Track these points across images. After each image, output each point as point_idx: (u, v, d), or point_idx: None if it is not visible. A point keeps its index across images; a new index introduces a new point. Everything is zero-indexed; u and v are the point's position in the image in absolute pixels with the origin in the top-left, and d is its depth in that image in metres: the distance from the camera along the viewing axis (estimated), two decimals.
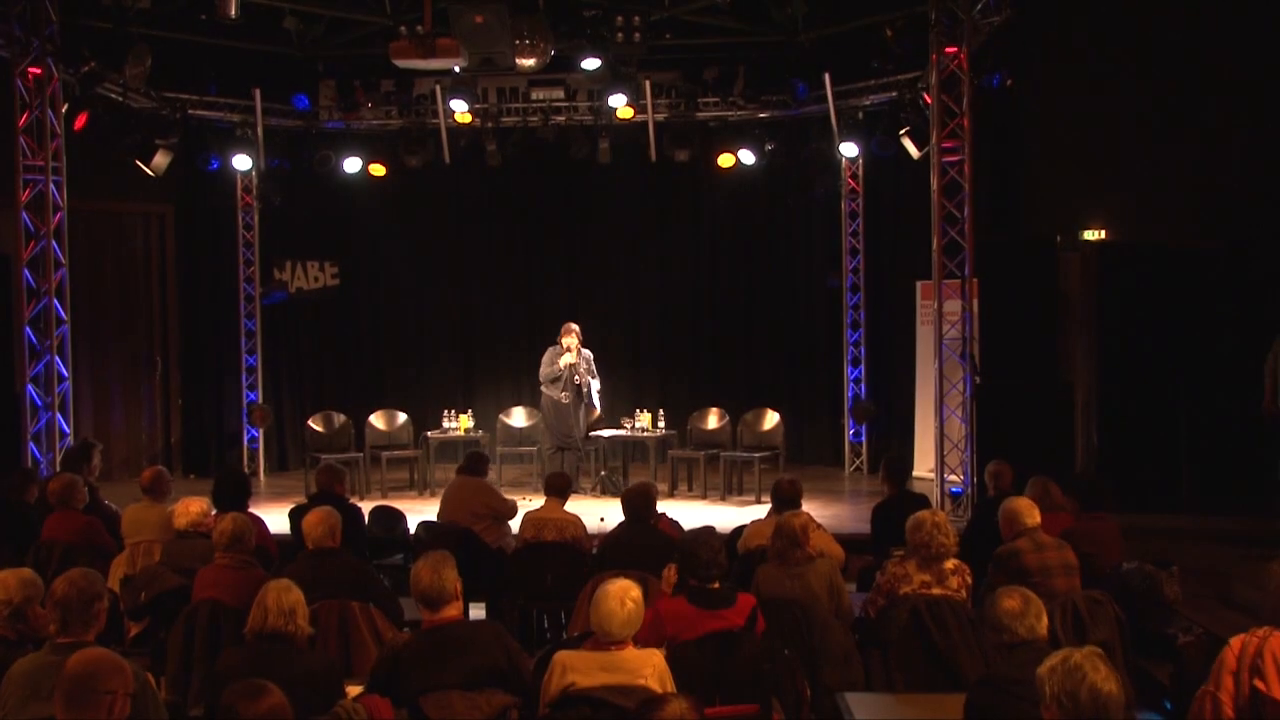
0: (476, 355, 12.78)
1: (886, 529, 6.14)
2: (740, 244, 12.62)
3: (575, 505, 8.97)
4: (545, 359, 10.24)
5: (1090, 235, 10.38)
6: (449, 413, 10.71)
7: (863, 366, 11.71)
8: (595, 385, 10.18)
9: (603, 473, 10.50)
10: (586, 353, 10.24)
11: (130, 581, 5.30)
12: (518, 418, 11.42)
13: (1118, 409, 9.49)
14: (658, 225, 12.70)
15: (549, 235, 12.78)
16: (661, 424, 10.45)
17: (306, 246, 12.41)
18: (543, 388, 10.30)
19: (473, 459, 7.37)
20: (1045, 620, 3.55)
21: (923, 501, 6.36)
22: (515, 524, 6.91)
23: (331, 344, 12.71)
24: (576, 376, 10.07)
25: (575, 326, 10.20)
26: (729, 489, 10.20)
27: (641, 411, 10.51)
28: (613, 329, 12.47)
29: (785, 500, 5.88)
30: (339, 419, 11.03)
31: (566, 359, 10.04)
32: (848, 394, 11.74)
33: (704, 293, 12.70)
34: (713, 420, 10.80)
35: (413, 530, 7.11)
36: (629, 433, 10.44)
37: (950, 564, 4.72)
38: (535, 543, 6.28)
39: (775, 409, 10.66)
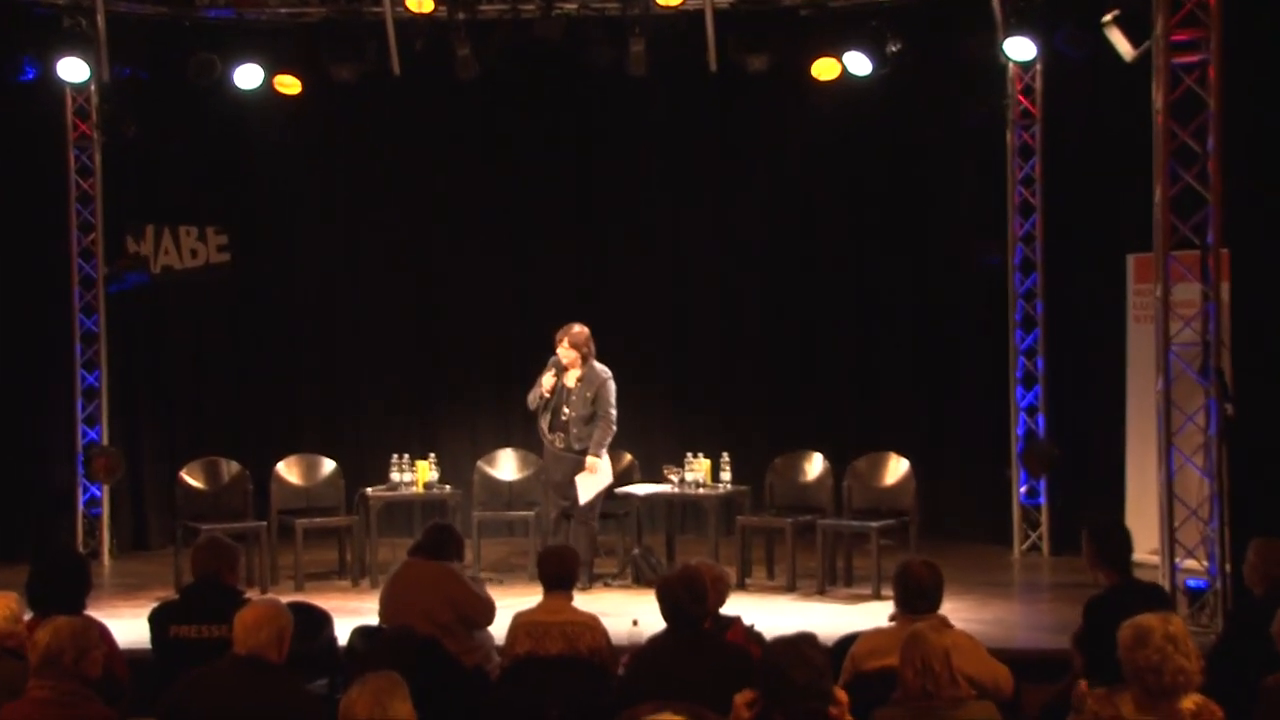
0: (443, 372, 12.94)
1: (1107, 641, 5.93)
2: (846, 200, 12.75)
3: (592, 601, 8.87)
4: (539, 380, 10.44)
5: None
6: (400, 459, 10.75)
7: (1040, 388, 11.70)
8: (609, 430, 10.22)
9: (635, 550, 10.56)
10: (601, 370, 10.31)
11: None
12: (505, 466, 11.46)
13: None
14: (719, 172, 12.83)
15: (551, 189, 12.95)
16: (726, 476, 10.52)
17: (178, 204, 12.54)
18: (539, 423, 10.53)
19: (436, 532, 7.38)
20: None
21: (1157, 598, 6.28)
22: (499, 630, 6.92)
23: (219, 354, 12.87)
24: (566, 411, 10.20)
25: (580, 329, 10.31)
26: (831, 577, 10.23)
27: (695, 457, 10.52)
28: (648, 332, 12.68)
29: (918, 596, 5.79)
30: (229, 470, 11.07)
31: (547, 381, 10.24)
32: (1016, 430, 11.72)
33: (789, 276, 12.81)
34: (807, 471, 10.83)
35: (344, 640, 7.07)
36: (675, 489, 10.48)
37: (1190, 702, 4.68)
38: (532, 659, 6.32)
39: (903, 453, 10.68)
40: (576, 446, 10.21)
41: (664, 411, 12.52)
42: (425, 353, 12.97)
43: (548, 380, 10.21)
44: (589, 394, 10.20)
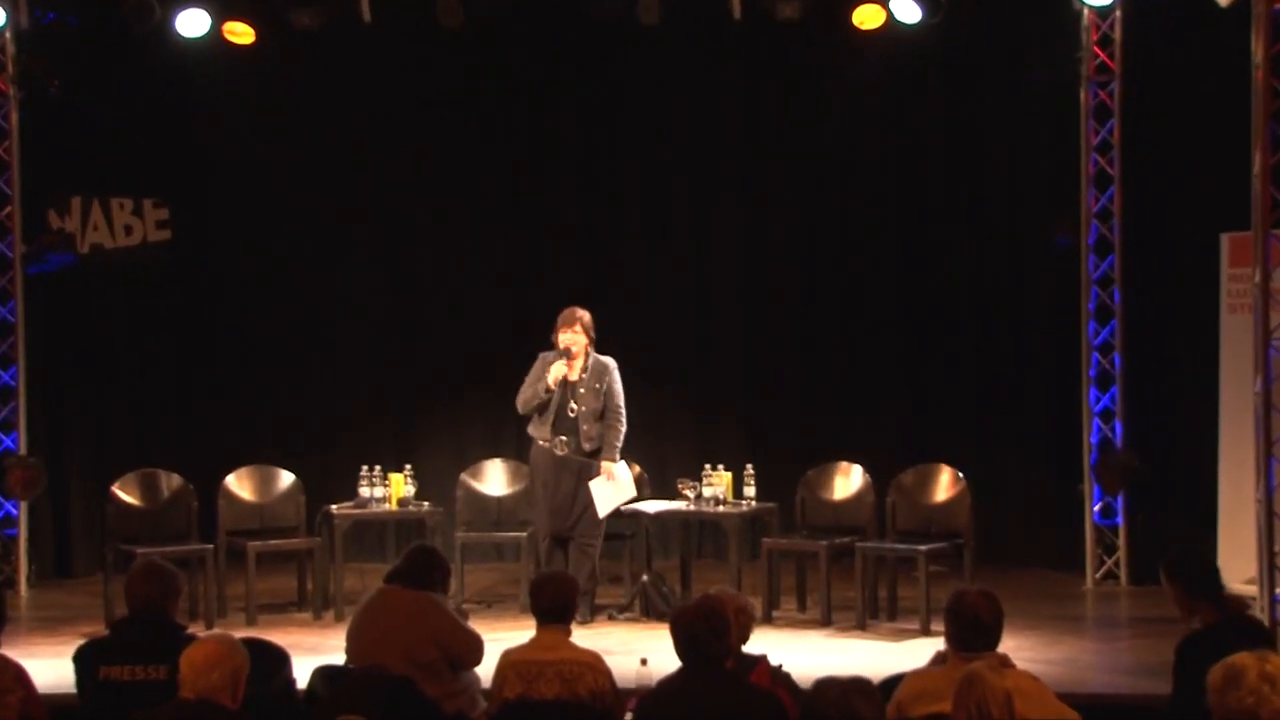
0: (423, 371, 13.00)
1: (1202, 681, 5.93)
2: (891, 173, 12.77)
3: (594, 637, 8.95)
4: (531, 372, 10.41)
5: None
6: (370, 471, 10.78)
7: (1117, 388, 11.71)
8: (621, 430, 10.29)
9: (644, 578, 10.55)
10: (606, 362, 10.35)
11: None
12: (493, 480, 11.47)
13: None
14: (743, 141, 12.85)
15: (550, 156, 12.98)
16: (750, 491, 10.54)
17: (110, 173, 12.53)
18: (529, 427, 10.48)
19: (418, 556, 7.34)
20: None
21: (1259, 636, 6.23)
22: (486, 672, 6.92)
23: (157, 348, 12.87)
24: (574, 407, 10.17)
25: (584, 315, 10.38)
26: (872, 608, 10.23)
27: (714, 469, 10.55)
28: (661, 324, 12.72)
29: (975, 631, 5.75)
30: (170, 484, 11.04)
31: (557, 371, 10.19)
32: (1090, 438, 11.70)
33: (824, 261, 12.87)
34: (844, 486, 10.85)
35: (303, 682, 7.07)
36: (691, 506, 10.51)
37: None
38: (524, 705, 6.31)
39: (956, 466, 10.67)
40: (587, 448, 10.22)
41: (678, 416, 12.58)
42: (401, 348, 13.00)
43: (558, 370, 10.17)
44: (597, 385, 10.25)
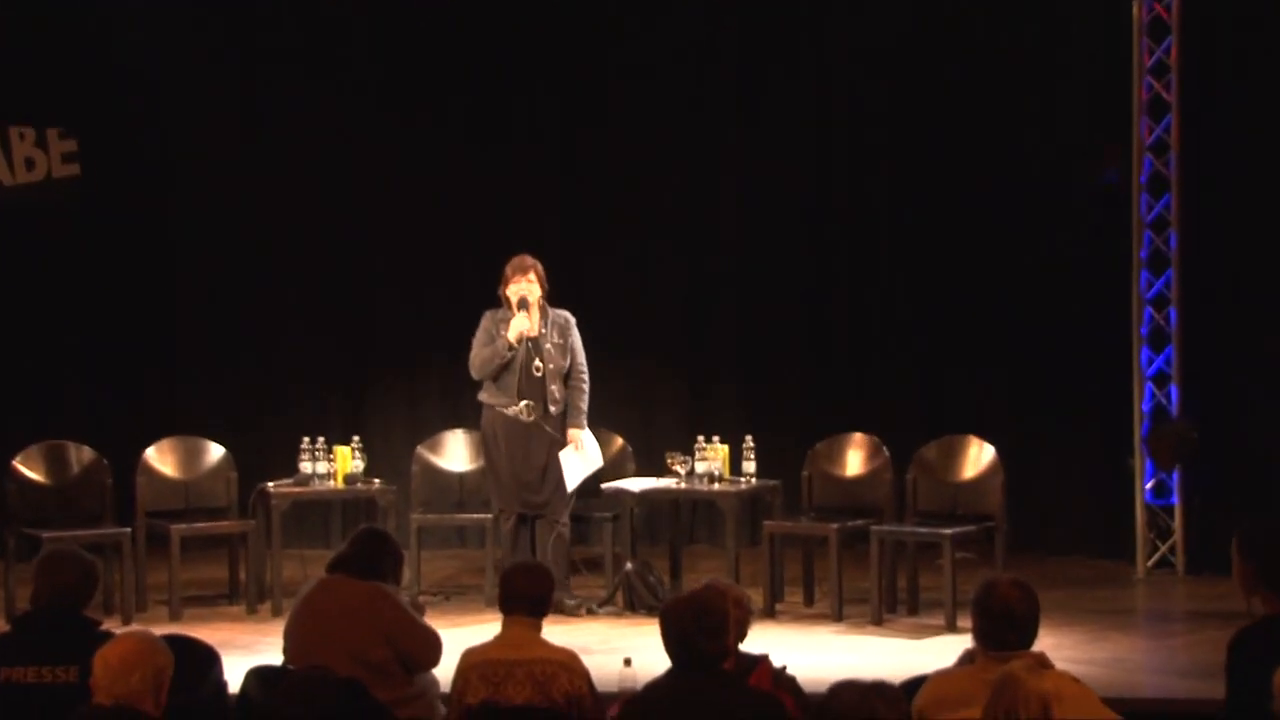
0: (372, 329, 13.10)
1: (1259, 681, 5.93)
2: (909, 101, 12.80)
3: (570, 633, 9.02)
4: (477, 332, 10.58)
5: None
6: (312, 444, 10.81)
7: (1172, 349, 11.78)
8: (587, 391, 10.49)
9: (627, 566, 10.61)
10: (566, 315, 10.58)
11: None
12: (454, 454, 11.54)
13: None
14: (742, 74, 12.99)
15: (523, 89, 13.07)
16: (749, 467, 10.62)
17: (8, 98, 12.54)
18: (481, 393, 10.62)
19: (367, 542, 7.34)
20: None
21: None
22: (445, 673, 6.96)
23: (64, 301, 12.83)
24: (539, 365, 10.35)
25: (536, 263, 10.52)
26: (890, 601, 10.35)
27: (709, 442, 10.65)
28: (643, 274, 12.90)
29: (1007, 627, 5.66)
30: (80, 458, 11.06)
31: (519, 325, 10.32)
32: (1141, 405, 11.78)
33: (833, 206, 12.97)
34: (856, 460, 10.92)
35: (236, 685, 7.03)
36: (682, 484, 10.61)
37: None
38: (489, 710, 6.33)
39: (986, 438, 10.72)
40: (554, 411, 10.37)
41: (667, 380, 12.73)
42: (348, 302, 13.07)
43: (520, 324, 10.26)
44: (561, 341, 10.41)
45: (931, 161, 12.68)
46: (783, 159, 12.93)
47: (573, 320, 10.51)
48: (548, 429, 10.34)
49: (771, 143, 12.94)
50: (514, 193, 12.96)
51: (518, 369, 10.32)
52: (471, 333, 10.59)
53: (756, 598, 9.59)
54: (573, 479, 10.34)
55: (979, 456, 10.55)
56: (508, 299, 10.36)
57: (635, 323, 11.98)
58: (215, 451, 11.12)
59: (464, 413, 11.82)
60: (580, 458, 10.37)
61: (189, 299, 12.99)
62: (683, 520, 11.27)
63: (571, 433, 10.34)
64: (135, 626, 6.24)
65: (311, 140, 12.93)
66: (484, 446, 10.68)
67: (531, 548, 10.32)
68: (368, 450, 10.93)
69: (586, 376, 10.46)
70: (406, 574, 9.36)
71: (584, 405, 10.42)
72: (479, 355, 10.43)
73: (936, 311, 12.70)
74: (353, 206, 12.99)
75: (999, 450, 10.51)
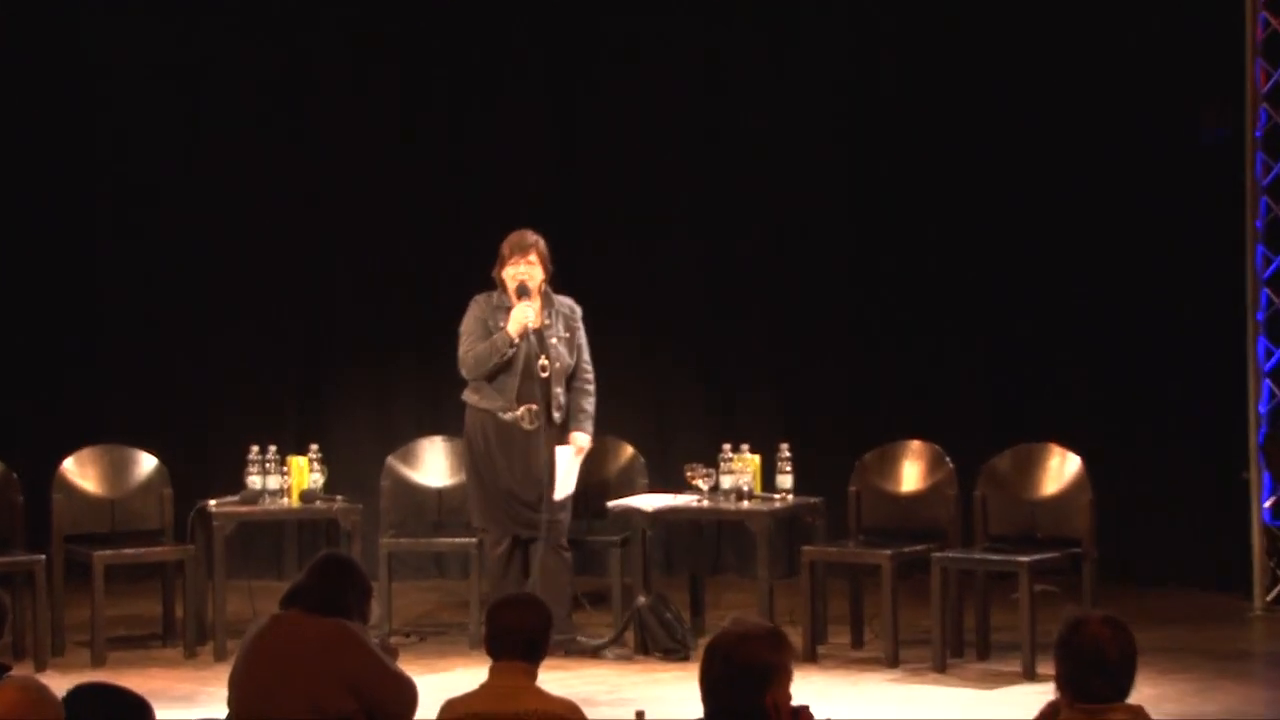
0: (334, 319, 13.24)
1: None
2: (973, 46, 12.77)
3: (570, 681, 9.05)
4: (466, 322, 10.61)
5: None
6: (261, 453, 10.85)
7: None
8: (591, 389, 10.57)
9: (639, 600, 10.61)
10: (572, 304, 10.68)
11: None
12: (432, 466, 11.60)
13: None
14: (771, 20, 13.01)
15: (515, 43, 13.14)
16: (786, 481, 10.65)
17: None
18: (467, 393, 10.64)
19: (327, 570, 7.14)
20: None
21: None
22: None
23: None
24: (544, 363, 10.40)
25: (538, 240, 10.54)
26: (955, 644, 10.36)
27: (736, 452, 10.69)
28: (660, 259, 12.93)
29: (1098, 674, 5.65)
30: None
31: (522, 317, 10.36)
32: (1256, 407, 11.75)
33: (882, 174, 12.98)
34: (913, 474, 10.92)
35: None
36: (704, 501, 10.66)
37: None
38: None
39: (1069, 446, 10.68)
40: (558, 418, 10.41)
41: (687, 380, 12.82)
42: (307, 285, 13.14)
43: (523, 315, 10.23)
44: (568, 335, 10.47)
45: (994, 119, 12.68)
46: (818, 118, 12.95)
47: (579, 310, 10.57)
48: (549, 439, 10.33)
49: (805, 108, 12.93)
50: (502, 164, 12.98)
51: (518, 368, 10.28)
52: (455, 321, 10.61)
53: (795, 638, 9.48)
54: (564, 487, 10.31)
55: (1061, 469, 10.48)
56: (504, 283, 10.34)
57: (650, 320, 12.02)
58: (146, 463, 11.07)
59: (443, 417, 11.91)
60: (575, 466, 10.36)
61: (114, 287, 13.03)
62: (705, 545, 11.39)
63: (575, 435, 10.33)
64: (24, 674, 6.19)
65: (269, 89, 13.02)
66: (469, 456, 10.63)
67: (524, 577, 10.32)
68: (328, 461, 10.92)
69: (592, 377, 10.50)
70: (375, 610, 9.23)
71: (591, 409, 10.43)
72: (473, 351, 10.39)
73: (1005, 296, 12.68)
74: (309, 188, 13.07)
75: (1086, 461, 10.44)
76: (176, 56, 12.93)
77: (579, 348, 10.48)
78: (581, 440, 10.35)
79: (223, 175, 12.93)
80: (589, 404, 10.42)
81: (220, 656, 10.06)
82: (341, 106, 13.01)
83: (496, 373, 10.35)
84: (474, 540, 10.84)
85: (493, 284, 10.40)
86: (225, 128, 12.98)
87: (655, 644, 10.26)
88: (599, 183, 12.92)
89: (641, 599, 10.49)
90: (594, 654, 10.34)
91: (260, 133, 12.97)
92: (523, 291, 10.27)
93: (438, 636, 10.92)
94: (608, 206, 12.82)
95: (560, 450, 10.30)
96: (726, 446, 10.59)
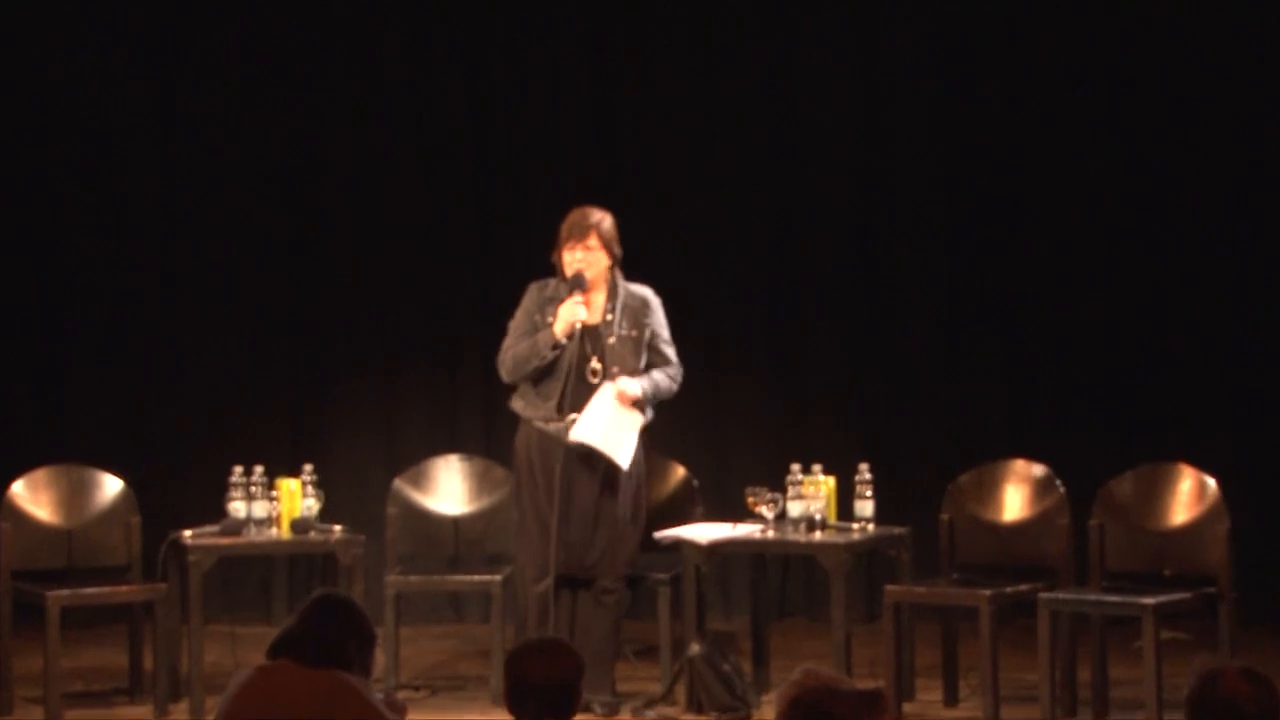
0: (330, 319, 13.53)
1: None
2: (1068, 31, 13.17)
3: None
4: (519, 314, 10.61)
5: None
6: (246, 475, 10.87)
7: None
8: (675, 376, 10.70)
9: (692, 649, 10.53)
10: (643, 295, 10.65)
11: None
12: (446, 490, 11.66)
13: None
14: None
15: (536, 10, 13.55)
16: (866, 509, 10.73)
17: None
18: (514, 399, 10.61)
19: (319, 617, 7.12)
20: None
21: None
22: None
23: None
24: (597, 369, 10.45)
25: (603, 219, 10.56)
26: (1067, 700, 10.44)
27: (807, 473, 10.70)
28: (718, 251, 13.32)
29: None
30: None
31: (569, 314, 10.33)
32: None
33: (971, 162, 13.32)
34: (1016, 500, 11.00)
35: None
36: (769, 532, 10.67)
37: None
38: None
39: (1203, 468, 10.69)
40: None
41: (750, 393, 13.02)
42: (299, 284, 13.40)
43: (571, 312, 10.19)
44: (634, 333, 10.37)
45: (1105, 124, 12.89)
46: (900, 112, 13.41)
47: (654, 301, 10.54)
48: (605, 459, 10.31)
49: (884, 87, 13.46)
50: (534, 146, 13.34)
51: (565, 371, 10.28)
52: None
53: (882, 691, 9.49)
54: (583, 428, 10.23)
55: (1194, 494, 10.53)
56: (561, 267, 10.32)
57: (701, 310, 12.35)
58: (110, 486, 11.17)
59: (460, 434, 12.40)
60: (615, 414, 10.30)
61: (83, 285, 13.32)
62: (771, 584, 11.58)
63: (623, 381, 10.25)
64: None
65: (256, 71, 13.47)
66: (517, 477, 10.62)
67: (571, 626, 10.26)
68: (324, 485, 11.00)
69: (677, 372, 10.60)
70: (380, 659, 9.18)
71: (662, 383, 10.49)
72: (513, 350, 10.45)
73: (1124, 293, 12.87)
74: (303, 174, 13.55)
75: (1222, 485, 10.45)
76: (153, 59, 13.42)
77: (655, 338, 10.54)
78: (629, 385, 10.15)
79: (204, 173, 13.41)
80: (662, 376, 10.39)
81: (197, 715, 10.17)
82: (342, 91, 13.45)
83: (541, 376, 10.38)
84: (496, 578, 10.86)
85: (553, 270, 10.42)
86: (203, 117, 13.39)
87: (711, 701, 10.24)
88: (644, 177, 13.30)
89: (695, 647, 10.43)
90: (637, 714, 10.31)
91: (244, 116, 13.38)
92: (578, 283, 10.21)
93: (453, 691, 11.04)
94: (657, 205, 13.06)
95: (603, 388, 10.24)
96: (796, 467, 10.60)
